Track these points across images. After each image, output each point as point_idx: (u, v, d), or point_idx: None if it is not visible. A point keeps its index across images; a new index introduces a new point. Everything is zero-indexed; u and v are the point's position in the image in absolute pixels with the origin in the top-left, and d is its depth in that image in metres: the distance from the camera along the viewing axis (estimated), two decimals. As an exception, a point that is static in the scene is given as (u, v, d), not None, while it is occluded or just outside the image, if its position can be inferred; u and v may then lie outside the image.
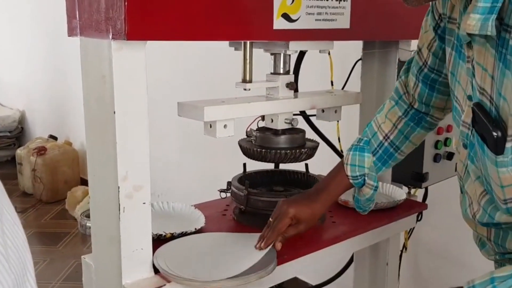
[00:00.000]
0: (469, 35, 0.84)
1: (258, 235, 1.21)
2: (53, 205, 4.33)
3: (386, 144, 1.25)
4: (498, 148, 0.82)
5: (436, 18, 1.05)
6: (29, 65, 5.31)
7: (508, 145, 0.81)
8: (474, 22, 0.81)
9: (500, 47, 0.80)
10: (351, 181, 1.23)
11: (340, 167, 1.25)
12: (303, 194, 1.27)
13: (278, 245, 1.17)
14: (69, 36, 1.12)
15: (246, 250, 1.18)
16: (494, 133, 0.82)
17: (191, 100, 1.21)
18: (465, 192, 1.01)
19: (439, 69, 1.13)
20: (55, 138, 4.92)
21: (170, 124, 3.27)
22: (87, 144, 1.13)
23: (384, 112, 1.28)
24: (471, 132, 0.91)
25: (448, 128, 1.61)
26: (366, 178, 1.23)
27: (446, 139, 1.63)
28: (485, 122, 0.83)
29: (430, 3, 1.07)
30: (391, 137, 1.25)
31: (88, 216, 3.64)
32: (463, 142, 0.96)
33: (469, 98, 0.91)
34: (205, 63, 3.06)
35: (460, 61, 0.92)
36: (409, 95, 1.24)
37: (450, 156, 1.64)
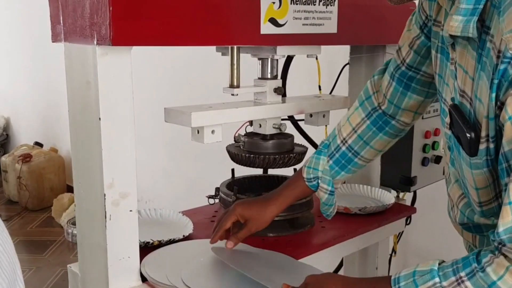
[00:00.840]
0: (452, 36, 0.85)
1: (245, 245, 1.21)
2: (39, 213, 4.28)
3: (343, 148, 1.21)
4: (471, 149, 0.83)
5: (423, 18, 1.05)
6: (14, 72, 5.26)
7: (481, 146, 0.81)
8: (457, 23, 0.81)
9: (480, 49, 0.81)
10: (307, 183, 1.22)
11: (300, 171, 1.25)
12: (258, 196, 1.27)
13: (229, 244, 1.17)
14: (53, 42, 1.10)
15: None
16: (468, 134, 0.82)
17: (178, 105, 1.20)
18: (448, 195, 1.02)
19: (418, 67, 1.11)
20: (40, 145, 4.87)
21: (157, 130, 3.25)
22: (72, 151, 1.12)
23: (348, 114, 1.24)
24: (452, 134, 0.92)
25: (436, 132, 1.62)
26: (319, 181, 1.21)
27: (434, 142, 1.63)
28: (460, 123, 0.84)
29: (417, 2, 1.07)
30: (349, 142, 1.21)
31: (74, 224, 3.60)
32: (448, 144, 0.97)
33: (452, 99, 0.91)
34: (192, 69, 3.05)
35: (448, 63, 0.92)
36: (380, 94, 1.20)
37: (438, 159, 1.64)
